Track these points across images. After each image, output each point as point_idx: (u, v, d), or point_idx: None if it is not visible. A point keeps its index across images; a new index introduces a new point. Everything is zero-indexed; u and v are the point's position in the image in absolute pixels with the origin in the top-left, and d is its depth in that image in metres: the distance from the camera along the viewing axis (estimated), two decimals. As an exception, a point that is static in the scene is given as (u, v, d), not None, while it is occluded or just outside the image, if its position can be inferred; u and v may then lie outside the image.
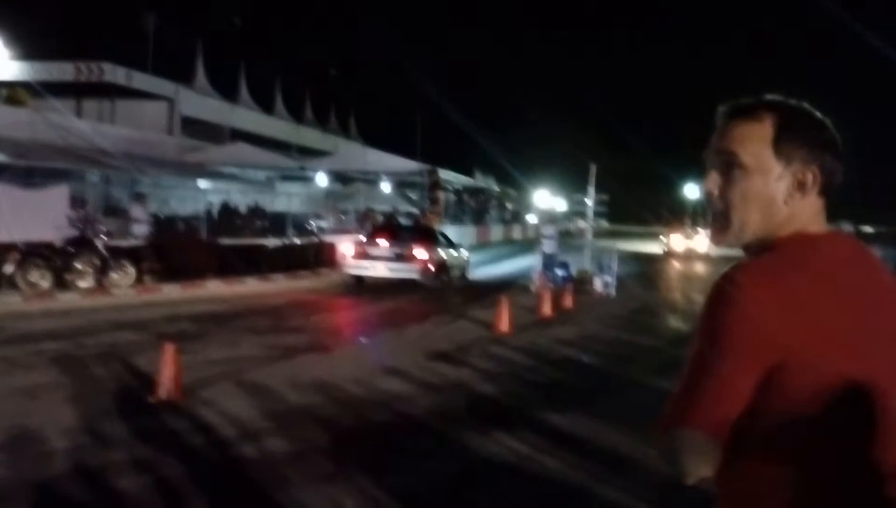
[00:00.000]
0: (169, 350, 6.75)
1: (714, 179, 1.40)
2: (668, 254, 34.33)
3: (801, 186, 1.36)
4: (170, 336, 9.61)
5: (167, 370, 6.72)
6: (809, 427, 1.22)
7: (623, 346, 10.93)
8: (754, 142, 1.37)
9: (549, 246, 19.13)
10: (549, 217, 21.10)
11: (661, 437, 1.28)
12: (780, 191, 1.36)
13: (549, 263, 18.77)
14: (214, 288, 15.50)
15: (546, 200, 65.48)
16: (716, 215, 1.41)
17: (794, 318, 1.22)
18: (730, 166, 1.38)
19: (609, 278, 17.79)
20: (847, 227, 36.87)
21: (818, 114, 1.39)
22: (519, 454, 5.67)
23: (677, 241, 35.74)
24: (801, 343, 1.21)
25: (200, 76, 33.28)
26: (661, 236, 37.97)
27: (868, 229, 35.73)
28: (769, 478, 1.25)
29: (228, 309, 12.70)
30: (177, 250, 16.16)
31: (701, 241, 34.48)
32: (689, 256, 33.71)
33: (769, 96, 1.41)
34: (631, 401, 7.43)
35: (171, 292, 14.55)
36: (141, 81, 30.08)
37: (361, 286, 17.00)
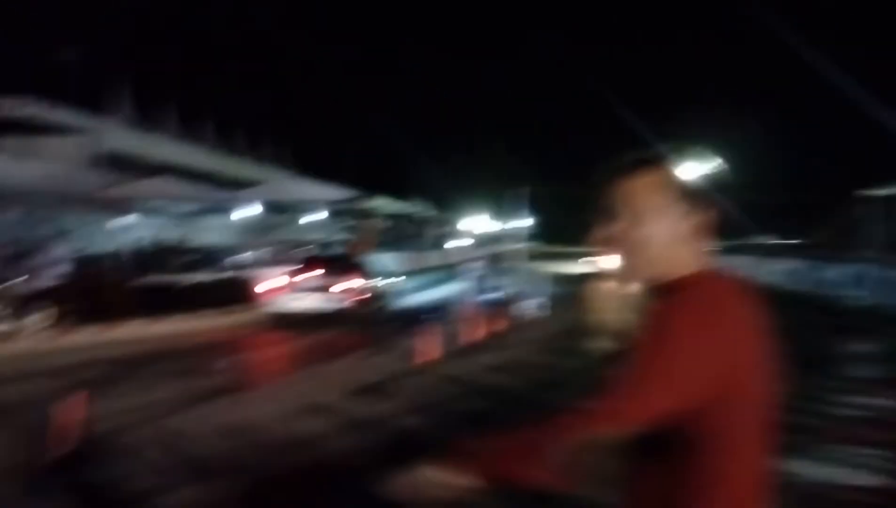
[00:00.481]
0: (81, 399, 6.47)
1: (614, 226, 1.58)
2: (600, 274, 34.80)
3: (690, 233, 1.55)
4: (86, 382, 9.24)
5: (79, 420, 6.42)
6: (735, 433, 1.47)
7: (552, 370, 10.93)
8: (650, 192, 1.55)
9: (478, 270, 19.16)
10: (479, 240, 21.07)
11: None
12: (674, 235, 1.54)
13: (479, 286, 18.77)
14: (135, 329, 14.99)
15: (483, 222, 66.07)
16: (619, 260, 1.59)
17: (720, 350, 1.43)
18: (628, 215, 1.56)
19: (540, 301, 17.92)
20: (767, 239, 38.41)
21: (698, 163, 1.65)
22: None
23: (609, 261, 36.12)
24: (726, 371, 1.43)
25: (126, 108, 32.51)
26: (594, 257, 37.92)
27: (775, 241, 36.86)
28: (708, 472, 1.46)
29: (149, 351, 12.29)
30: (97, 290, 15.63)
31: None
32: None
33: (653, 152, 1.60)
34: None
35: (91, 334, 14.04)
36: (62, 114, 29.20)
37: (289, 320, 16.66)
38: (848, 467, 6.12)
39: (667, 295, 1.52)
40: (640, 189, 1.55)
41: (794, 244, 31.91)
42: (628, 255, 1.58)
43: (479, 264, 19.29)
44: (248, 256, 28.13)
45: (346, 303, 16.58)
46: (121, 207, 26.59)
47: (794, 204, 36.97)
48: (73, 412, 6.46)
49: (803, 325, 16.18)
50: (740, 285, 1.55)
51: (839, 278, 21.40)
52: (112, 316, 15.00)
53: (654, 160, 1.59)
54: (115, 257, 21.28)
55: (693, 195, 1.57)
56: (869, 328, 15.07)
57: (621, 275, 1.61)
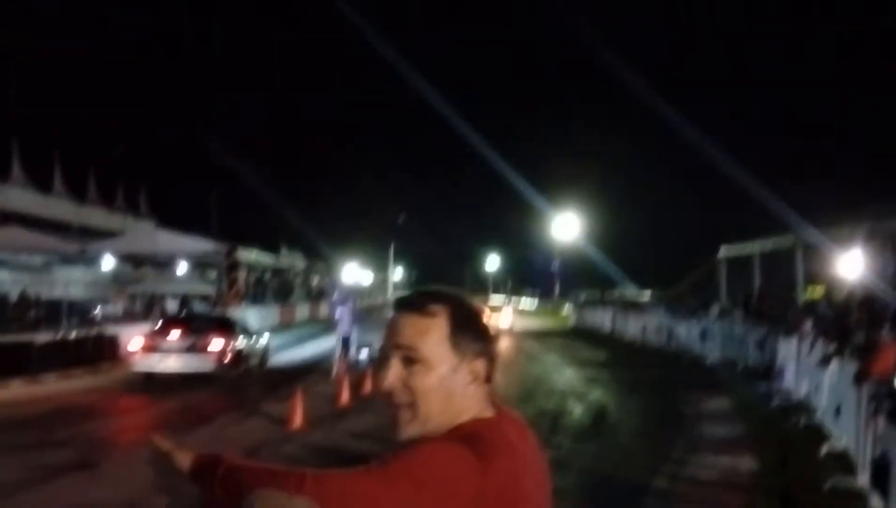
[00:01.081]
0: None
1: (396, 372, 1.43)
2: None
3: (475, 377, 1.44)
4: None
5: None
6: None
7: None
8: (432, 336, 1.42)
9: (344, 325, 18.66)
10: (345, 294, 20.62)
11: None
12: (458, 382, 1.43)
13: (346, 343, 18.36)
14: (-29, 396, 13.76)
15: (354, 274, 65.60)
16: (401, 407, 1.42)
17: (505, 497, 1.32)
18: (410, 360, 1.42)
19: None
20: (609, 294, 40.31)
21: (474, 307, 1.51)
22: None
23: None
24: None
25: (-36, 153, 30.30)
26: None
27: (635, 294, 38.64)
28: None
29: (-16, 422, 11.27)
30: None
31: (506, 316, 34.06)
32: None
33: (438, 289, 1.50)
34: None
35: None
36: None
37: (151, 383, 15.77)
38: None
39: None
40: (433, 329, 1.42)
41: (652, 298, 33.56)
42: (417, 401, 1.40)
43: (344, 319, 18.78)
44: (105, 311, 26.63)
45: (213, 364, 15.89)
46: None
47: (656, 260, 39.07)
48: None
49: (657, 380, 16.98)
50: (522, 427, 1.48)
51: (689, 334, 22.65)
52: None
53: (450, 300, 1.46)
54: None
55: (487, 340, 1.47)
56: (716, 383, 15.97)
57: (402, 426, 1.42)
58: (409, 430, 1.42)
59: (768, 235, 24.30)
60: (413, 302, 1.48)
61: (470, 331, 1.46)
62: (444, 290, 1.51)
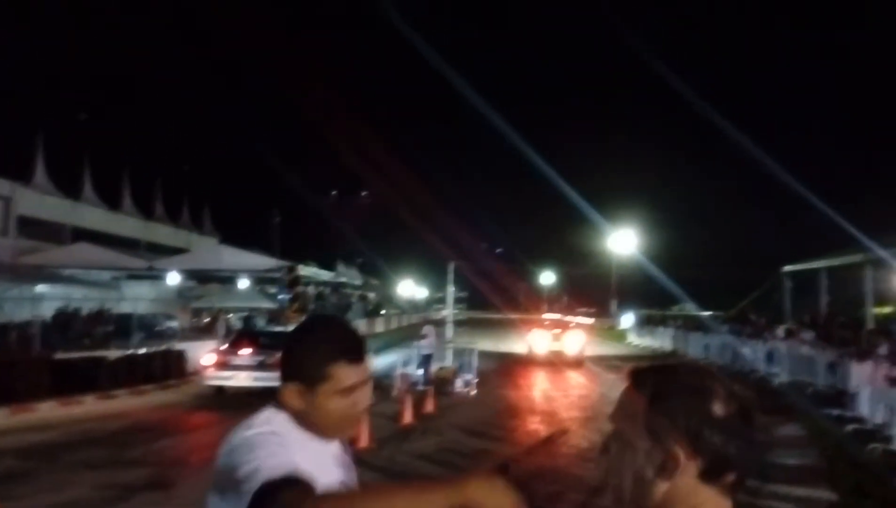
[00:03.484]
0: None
1: (607, 447, 1.31)
2: (531, 359, 26.39)
3: (663, 467, 1.21)
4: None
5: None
6: None
7: (482, 458, 10.86)
8: (629, 412, 1.27)
9: (427, 347, 18.88)
10: (408, 309, 20.94)
11: None
12: (648, 470, 1.23)
13: (425, 364, 18.59)
14: (48, 411, 14.20)
15: (410, 289, 65.78)
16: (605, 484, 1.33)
17: None
18: (615, 436, 1.30)
19: (469, 377, 17.87)
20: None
21: (706, 380, 1.24)
22: None
23: (541, 341, 26.86)
24: None
25: (40, 172, 31.45)
26: (524, 335, 29.69)
27: (698, 313, 37.64)
28: None
29: (62, 437, 11.63)
30: (6, 366, 14.79)
31: (573, 340, 26.68)
32: (556, 361, 25.43)
33: (663, 362, 1.35)
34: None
35: (-3, 418, 13.22)
36: (-28, 179, 28.07)
37: (221, 398, 16.14)
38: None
39: None
40: (634, 404, 1.28)
41: (714, 317, 32.84)
42: (611, 480, 1.30)
43: (427, 340, 18.99)
44: (174, 326, 27.30)
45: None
46: (35, 274, 25.53)
47: (717, 277, 38.26)
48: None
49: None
50: None
51: (755, 354, 22.12)
52: (22, 397, 14.18)
53: (660, 371, 1.30)
54: (27, 327, 20.32)
55: (688, 421, 1.22)
56: (785, 407, 15.54)
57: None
58: None
59: (835, 252, 23.66)
60: (632, 373, 1.31)
61: (668, 411, 1.23)
62: (671, 361, 1.38)
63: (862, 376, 13.47)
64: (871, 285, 21.56)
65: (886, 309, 27.26)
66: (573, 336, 26.65)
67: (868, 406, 12.74)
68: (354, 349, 1.80)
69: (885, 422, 11.39)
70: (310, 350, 1.80)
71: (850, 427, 12.52)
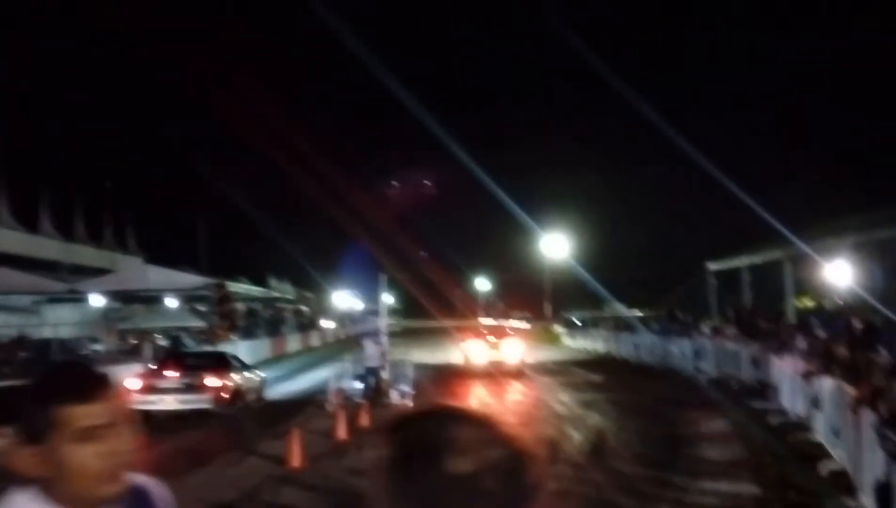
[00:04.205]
0: None
1: None
2: (469, 370, 24.38)
3: None
4: None
5: None
6: None
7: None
8: (375, 473, 1.11)
9: (372, 359, 18.66)
10: (343, 320, 20.75)
11: None
12: None
13: (371, 376, 18.38)
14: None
15: (346, 301, 65.23)
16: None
17: None
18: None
19: (406, 388, 17.80)
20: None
21: (448, 431, 1.05)
22: None
23: (478, 350, 24.88)
24: None
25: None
26: (460, 344, 27.49)
27: (626, 313, 38.38)
28: None
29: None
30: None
31: (511, 348, 24.76)
32: (495, 371, 23.30)
33: (420, 411, 1.14)
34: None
35: None
36: None
37: (148, 423, 15.65)
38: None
39: None
40: None
41: (643, 317, 33.56)
42: None
43: (373, 349, 18.80)
44: (99, 349, 26.46)
45: (210, 401, 15.83)
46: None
47: (645, 277, 39.16)
48: None
49: (654, 401, 16.99)
50: None
51: (683, 352, 22.70)
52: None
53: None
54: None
55: None
56: (712, 402, 15.99)
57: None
58: None
59: (756, 248, 24.48)
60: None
61: None
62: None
63: (782, 369, 13.96)
64: (791, 279, 22.39)
65: (808, 302, 28.35)
66: (512, 344, 24.95)
67: (789, 399, 13.20)
68: (87, 387, 1.56)
69: (805, 414, 11.81)
70: (34, 400, 1.57)
71: (774, 420, 12.94)
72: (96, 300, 28.24)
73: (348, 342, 40.77)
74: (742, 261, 25.49)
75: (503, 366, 23.53)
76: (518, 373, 23.05)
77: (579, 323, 44.04)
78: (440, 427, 1.04)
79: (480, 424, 1.05)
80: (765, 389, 15.24)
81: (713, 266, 27.74)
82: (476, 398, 18.67)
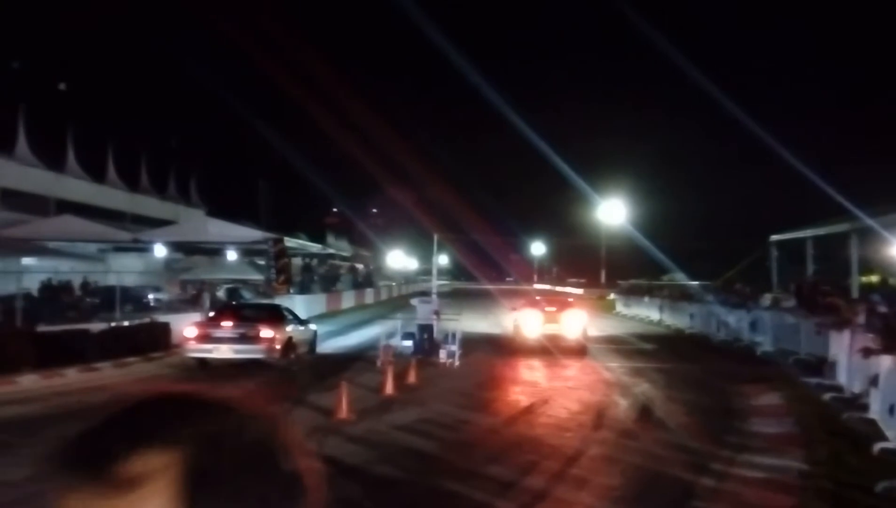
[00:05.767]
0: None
1: None
2: (519, 342, 20.87)
3: None
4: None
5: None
6: None
7: (463, 428, 10.92)
8: None
9: (425, 316, 18.95)
10: (396, 280, 20.97)
11: None
12: None
13: (422, 334, 18.66)
14: (30, 384, 14.14)
15: (400, 261, 65.78)
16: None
17: None
18: None
19: (453, 348, 17.89)
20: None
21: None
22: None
23: (533, 321, 21.09)
24: None
25: (22, 144, 31.15)
26: (510, 312, 23.79)
27: (684, 282, 37.65)
28: None
29: (42, 411, 11.60)
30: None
31: (572, 321, 20.82)
32: (552, 347, 19.94)
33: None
34: (464, 498, 7.35)
35: (-22, 391, 13.16)
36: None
37: (203, 371, 16.19)
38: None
39: None
40: None
41: (701, 286, 32.91)
42: None
43: (424, 308, 19.09)
44: (159, 298, 27.24)
45: (264, 352, 16.23)
46: (19, 247, 25.35)
47: (706, 248, 38.31)
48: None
49: (707, 373, 16.73)
50: None
51: (739, 324, 22.22)
52: (4, 369, 14.14)
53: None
54: (12, 301, 20.20)
55: None
56: (766, 376, 15.65)
57: None
58: None
59: (823, 221, 23.74)
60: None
61: None
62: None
63: (841, 345, 13.55)
64: (856, 253, 21.66)
65: (874, 277, 27.45)
66: (573, 316, 21.07)
67: (846, 376, 12.83)
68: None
69: (862, 391, 11.47)
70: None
71: (829, 396, 12.61)
72: (159, 251, 29.02)
73: (400, 301, 41.13)
74: (807, 233, 24.75)
75: (561, 341, 20.29)
76: (579, 350, 20.04)
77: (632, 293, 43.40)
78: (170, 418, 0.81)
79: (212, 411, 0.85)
80: (822, 364, 14.83)
81: (777, 238, 27.00)
82: (523, 359, 18.61)
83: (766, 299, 22.68)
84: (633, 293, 41.11)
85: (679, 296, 32.69)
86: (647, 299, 36.74)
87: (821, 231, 23.69)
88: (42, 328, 16.83)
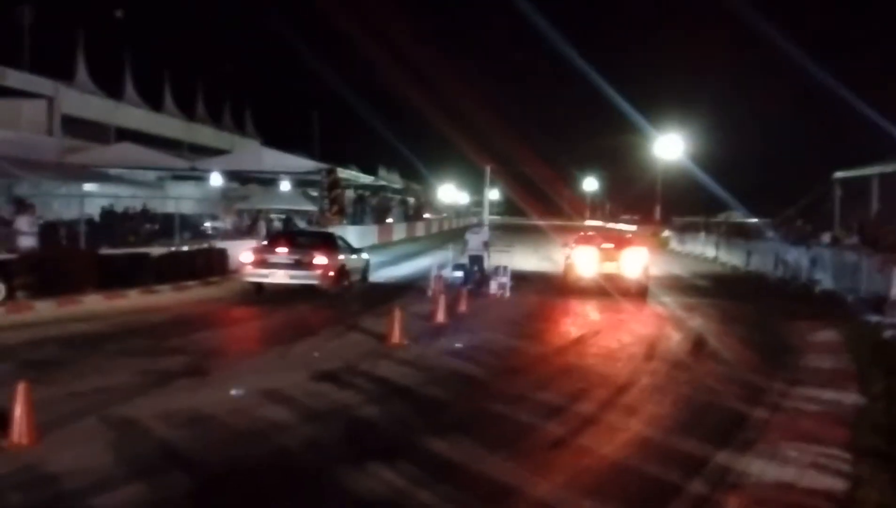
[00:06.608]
0: (21, 388, 6.25)
1: None
2: (575, 283, 19.12)
3: None
4: (34, 364, 9.03)
5: (19, 410, 6.24)
6: None
7: (512, 355, 10.98)
8: None
9: (476, 247, 19.00)
10: (448, 213, 20.92)
11: None
12: None
13: (472, 267, 18.74)
14: (93, 303, 14.67)
15: (451, 194, 65.60)
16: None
17: None
18: None
19: (504, 280, 17.90)
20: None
21: None
22: (395, 487, 5.54)
23: (589, 259, 19.15)
24: None
25: (82, 73, 31.64)
26: (562, 248, 22.15)
27: (741, 219, 36.70)
28: None
29: (105, 328, 12.05)
30: (54, 261, 15.23)
31: (632, 260, 18.74)
32: (609, 288, 18.33)
33: None
34: (512, 421, 7.42)
35: (45, 309, 13.69)
36: (17, 78, 28.37)
37: (260, 295, 16.57)
38: (796, 466, 6.19)
39: None
40: None
41: (760, 223, 32.14)
42: None
43: (476, 239, 19.10)
44: (216, 226, 27.78)
45: (318, 278, 16.51)
46: (81, 173, 26.01)
47: (767, 184, 37.25)
48: (12, 401, 6.23)
49: (762, 311, 16.45)
50: None
51: (799, 261, 21.70)
52: (69, 290, 14.66)
53: None
54: (75, 225, 20.81)
55: None
56: (825, 313, 15.32)
57: None
58: None
59: (889, 158, 22.81)
60: None
61: None
62: None
63: (905, 282, 13.14)
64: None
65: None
66: (632, 254, 18.95)
67: (909, 313, 12.47)
68: None
69: (925, 329, 11.14)
70: None
71: (889, 334, 12.30)
72: (216, 180, 29.48)
73: (451, 234, 41.15)
74: (872, 171, 23.84)
75: (620, 280, 18.54)
76: (639, 291, 18.30)
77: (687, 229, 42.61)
78: None
79: None
80: (882, 303, 14.43)
81: (841, 175, 26.08)
82: (575, 300, 18.50)
83: (827, 236, 22.06)
84: (687, 230, 40.43)
85: (736, 233, 32.02)
86: (702, 235, 36.12)
87: (887, 169, 22.77)
88: (104, 251, 17.35)
